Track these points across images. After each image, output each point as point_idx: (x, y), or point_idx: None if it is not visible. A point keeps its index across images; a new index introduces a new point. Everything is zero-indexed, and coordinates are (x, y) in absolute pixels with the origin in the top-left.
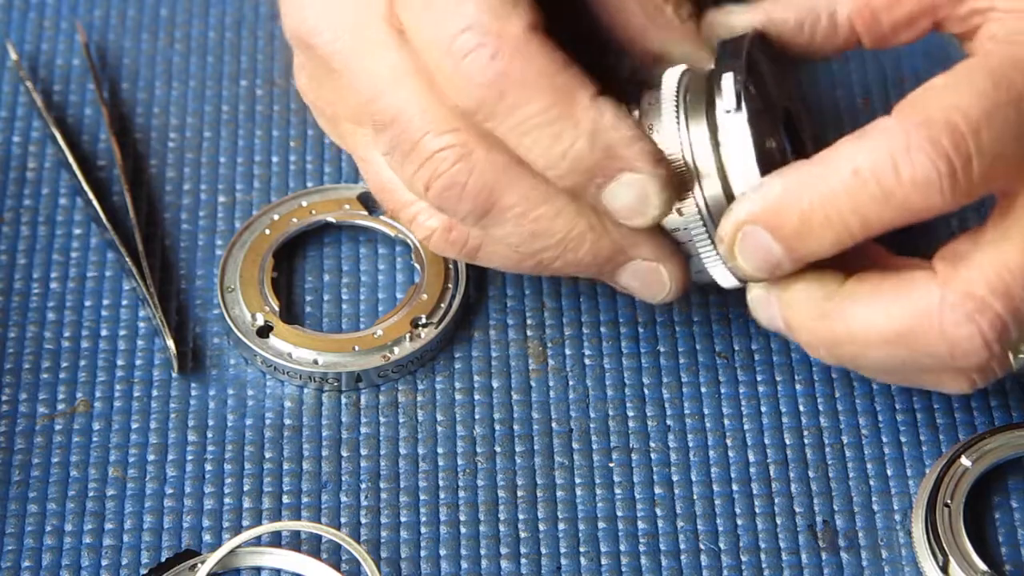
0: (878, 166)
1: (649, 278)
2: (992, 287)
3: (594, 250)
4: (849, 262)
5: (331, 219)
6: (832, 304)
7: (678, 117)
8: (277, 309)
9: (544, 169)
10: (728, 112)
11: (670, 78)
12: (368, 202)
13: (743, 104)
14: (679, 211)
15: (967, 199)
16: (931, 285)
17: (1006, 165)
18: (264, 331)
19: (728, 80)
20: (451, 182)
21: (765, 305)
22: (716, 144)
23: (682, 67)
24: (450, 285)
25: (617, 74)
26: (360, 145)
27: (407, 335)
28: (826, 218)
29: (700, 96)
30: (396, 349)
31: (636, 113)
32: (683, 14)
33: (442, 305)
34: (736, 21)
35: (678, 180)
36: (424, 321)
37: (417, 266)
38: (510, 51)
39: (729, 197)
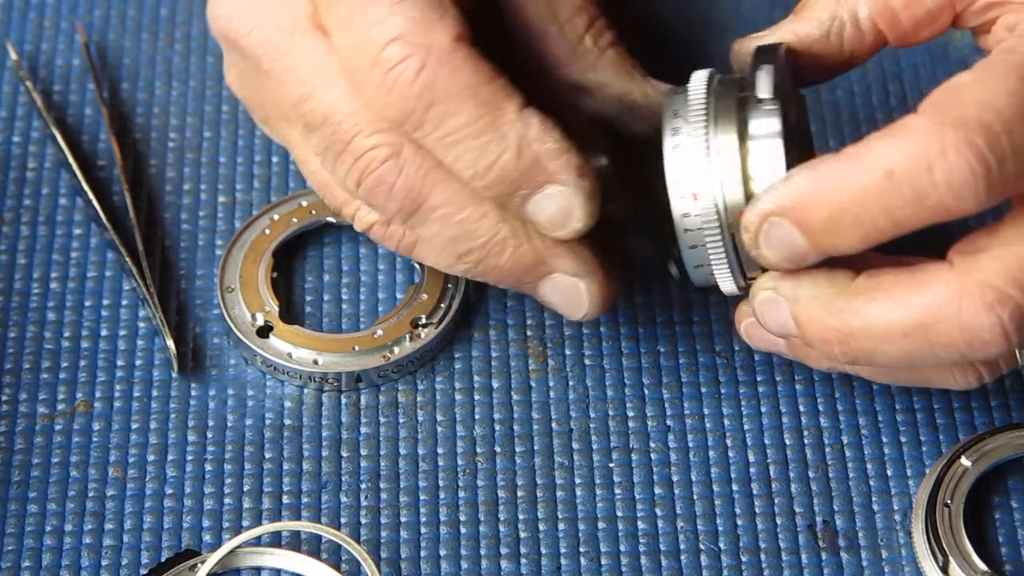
0: (912, 168)
1: (568, 294)
2: (1013, 278)
3: (515, 258)
4: (855, 258)
5: (331, 219)
6: (845, 299)
7: (706, 116)
8: (277, 309)
9: (470, 180)
10: (761, 102)
11: (698, 79)
12: None
13: (777, 99)
14: (695, 213)
15: (999, 199)
16: (949, 276)
17: None
18: (264, 331)
19: (765, 72)
20: (379, 180)
21: (773, 306)
22: (743, 146)
23: (710, 69)
24: (450, 285)
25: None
26: (295, 143)
27: (407, 335)
28: (856, 217)
29: (729, 96)
30: (396, 349)
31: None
32: (602, 43)
33: (442, 305)
34: (763, 44)
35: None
36: (424, 321)
37: (417, 266)
38: (437, 62)
39: (750, 200)
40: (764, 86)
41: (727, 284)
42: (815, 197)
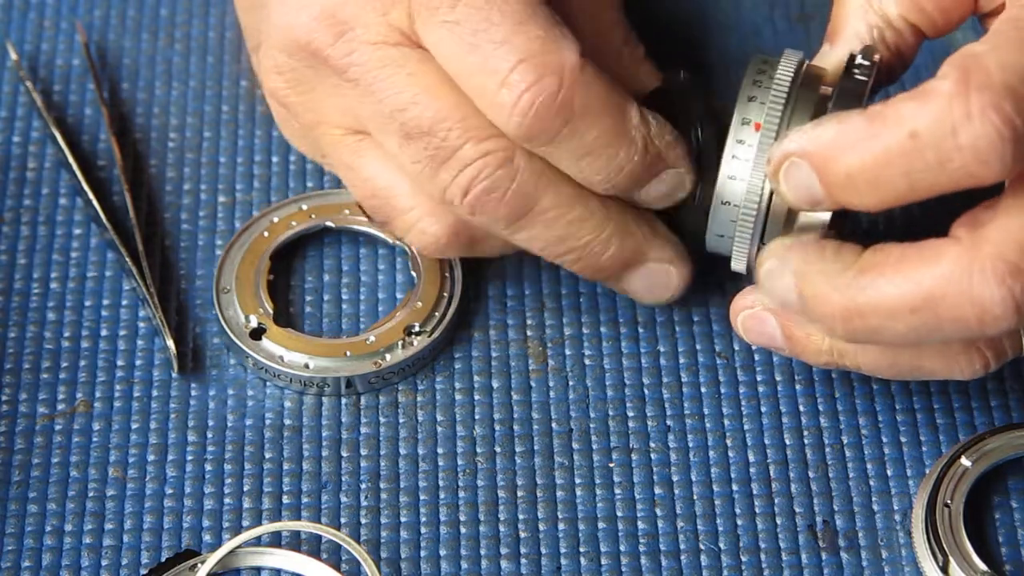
0: (936, 130)
1: (658, 279)
2: (1022, 250)
3: (617, 252)
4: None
5: (330, 223)
6: (852, 274)
7: (785, 105)
8: (271, 312)
9: (599, 183)
10: (852, 76)
11: (788, 66)
12: None
13: (869, 82)
14: (740, 178)
15: (1021, 166)
16: (958, 250)
17: None
18: (257, 333)
19: (866, 52)
20: (492, 187)
21: (778, 277)
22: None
23: (800, 56)
24: (445, 294)
25: None
26: (347, 152)
27: (399, 342)
28: (874, 178)
29: (812, 90)
30: (388, 356)
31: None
32: (638, 55)
33: (436, 313)
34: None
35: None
36: (417, 329)
37: (414, 274)
38: (572, 81)
39: None
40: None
41: (739, 263)
42: (836, 149)
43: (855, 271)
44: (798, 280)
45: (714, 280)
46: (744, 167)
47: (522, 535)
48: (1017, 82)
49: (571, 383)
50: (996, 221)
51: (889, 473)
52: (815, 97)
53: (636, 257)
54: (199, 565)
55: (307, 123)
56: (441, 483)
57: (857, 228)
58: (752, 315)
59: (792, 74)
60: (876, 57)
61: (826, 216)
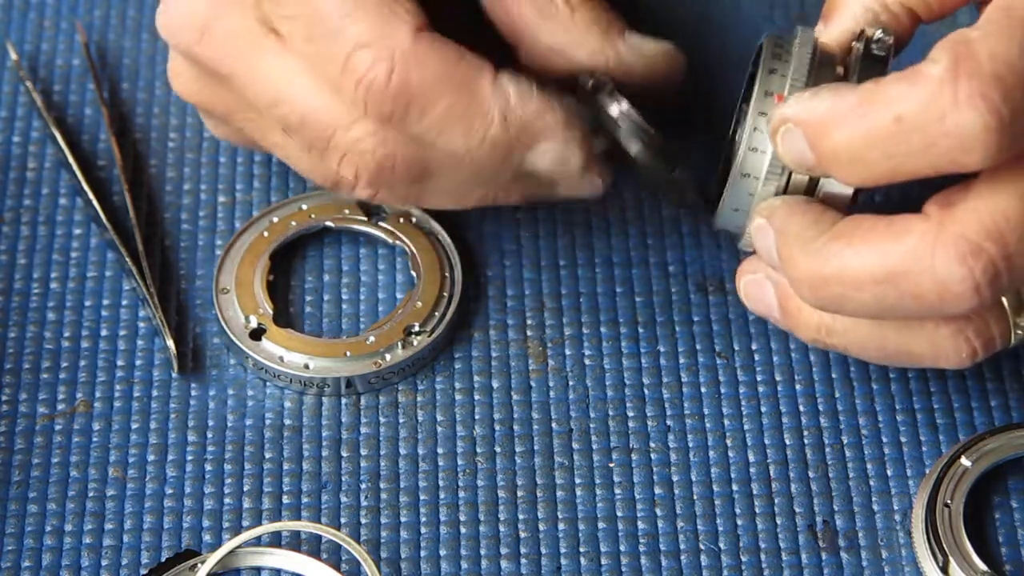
0: (923, 116)
1: (556, 155)
2: (987, 231)
3: (512, 144)
4: None
5: (330, 223)
6: (823, 241)
7: (810, 72)
8: (271, 312)
9: (464, 156)
10: (871, 53)
11: (806, 48)
12: (368, 207)
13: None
14: (762, 150)
15: (1004, 156)
16: (925, 227)
17: None
18: (257, 333)
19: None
20: (379, 167)
21: (763, 234)
22: None
23: (815, 36)
24: (445, 294)
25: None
26: (269, 131)
27: (399, 342)
28: (857, 157)
29: (828, 68)
30: (388, 356)
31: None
32: (573, 3)
33: (436, 314)
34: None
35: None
36: (417, 329)
37: (414, 273)
38: (403, 61)
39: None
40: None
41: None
42: (827, 123)
43: (826, 238)
44: (778, 240)
45: (714, 280)
46: (767, 140)
47: (522, 535)
48: (1006, 72)
49: (571, 383)
50: (966, 202)
51: (889, 473)
52: (832, 72)
53: (522, 139)
54: (199, 565)
55: (219, 117)
56: (441, 483)
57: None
58: (754, 281)
59: (812, 49)
60: (891, 38)
61: (849, 191)
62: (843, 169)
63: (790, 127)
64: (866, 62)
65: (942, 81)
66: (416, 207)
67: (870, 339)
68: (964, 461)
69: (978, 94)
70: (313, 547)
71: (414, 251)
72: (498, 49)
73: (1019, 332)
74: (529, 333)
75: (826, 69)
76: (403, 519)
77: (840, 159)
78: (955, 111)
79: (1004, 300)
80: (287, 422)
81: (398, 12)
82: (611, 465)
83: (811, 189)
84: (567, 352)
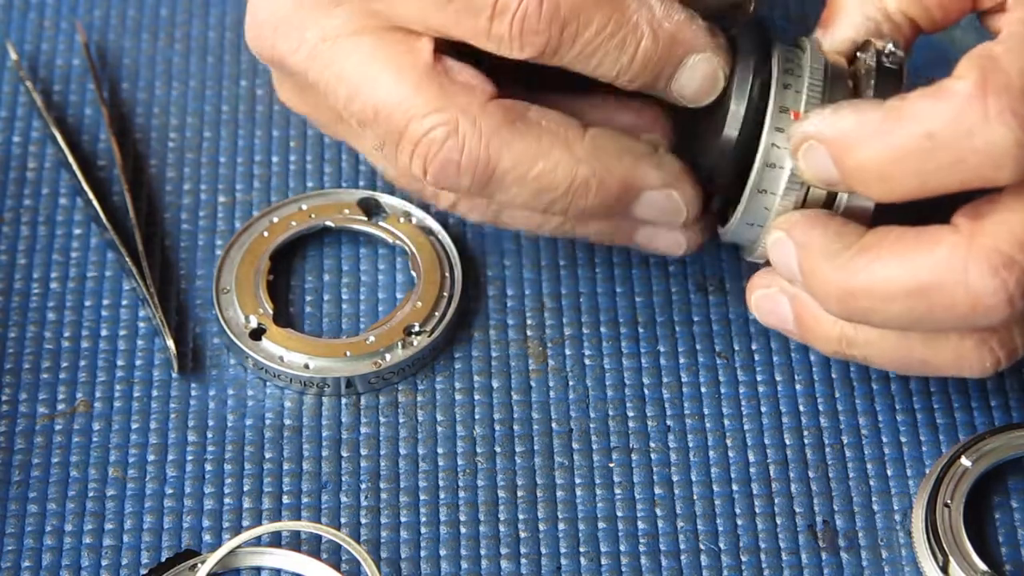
0: (953, 132)
1: (664, 205)
2: (1019, 243)
3: (602, 192)
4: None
5: (330, 223)
6: (851, 254)
7: (824, 86)
8: (271, 312)
9: (617, 77)
10: (884, 67)
11: (817, 58)
12: (368, 207)
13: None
14: (780, 166)
15: None
16: (956, 239)
17: None
18: (257, 333)
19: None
20: (445, 160)
21: (783, 249)
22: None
23: (818, 42)
24: (445, 294)
25: None
26: (359, 144)
27: (399, 342)
28: (886, 173)
29: (842, 80)
30: (388, 356)
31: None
32: None
33: (436, 313)
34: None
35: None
36: (417, 329)
37: (414, 273)
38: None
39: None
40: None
41: (751, 253)
42: (852, 139)
43: (854, 251)
44: (799, 253)
45: (714, 280)
46: (784, 155)
47: (522, 535)
48: None
49: (571, 383)
50: (996, 214)
51: (889, 473)
52: (845, 87)
53: (627, 191)
54: (199, 565)
55: (322, 125)
56: (441, 483)
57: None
58: (766, 296)
59: (824, 64)
60: (902, 51)
61: (871, 204)
62: (870, 186)
63: (813, 144)
64: (881, 76)
65: (971, 97)
66: (496, 224)
67: (894, 351)
68: (964, 461)
69: (1008, 110)
70: (313, 547)
71: (414, 251)
72: None
73: None
74: (529, 333)
75: (839, 84)
76: (403, 519)
77: (867, 176)
78: (985, 127)
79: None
80: (287, 422)
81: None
82: (611, 465)
83: (830, 202)
84: (567, 352)
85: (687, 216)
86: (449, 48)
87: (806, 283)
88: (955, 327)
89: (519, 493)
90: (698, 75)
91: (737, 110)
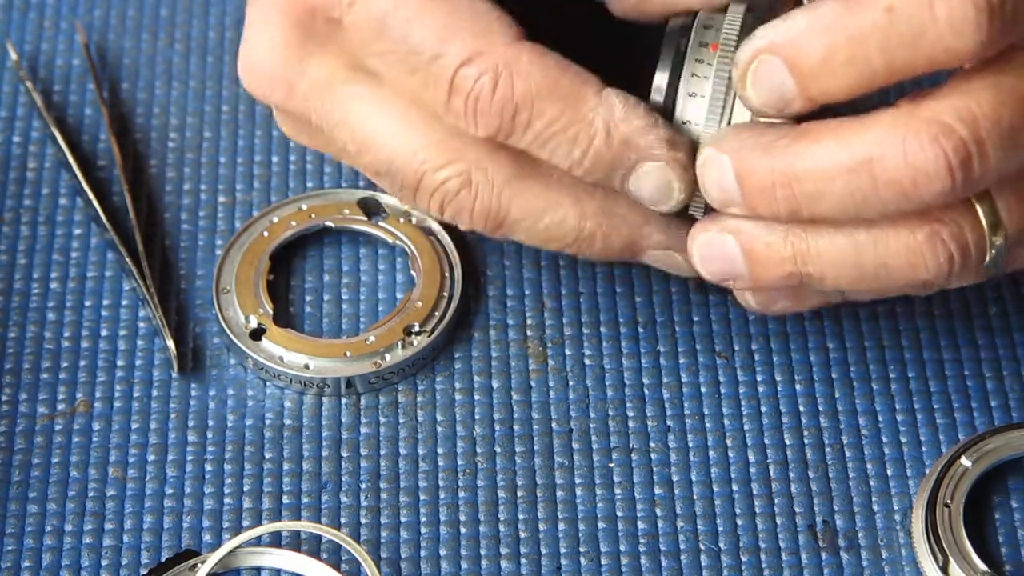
0: (913, 3)
1: (666, 262)
2: (959, 115)
3: (606, 245)
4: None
5: (330, 223)
6: (789, 141)
7: (744, 25)
8: (271, 312)
9: (570, 170)
10: None
11: (733, 16)
12: (368, 207)
13: None
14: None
15: (997, 44)
16: (895, 113)
17: None
18: (257, 334)
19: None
20: (458, 208)
21: (715, 165)
22: None
23: (745, 6)
24: (445, 294)
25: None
26: (352, 144)
27: (399, 342)
28: (851, 56)
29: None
30: (388, 356)
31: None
32: None
33: (436, 313)
34: None
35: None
36: (417, 329)
37: (414, 273)
38: (507, 72)
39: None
40: None
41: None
42: (810, 35)
43: (791, 138)
44: (734, 160)
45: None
46: (704, 84)
47: (522, 535)
48: None
49: (571, 383)
50: (939, 92)
51: (889, 473)
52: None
53: (632, 247)
54: (199, 565)
55: (331, 156)
56: (441, 483)
57: None
58: (709, 240)
59: (745, 8)
60: None
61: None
62: (836, 75)
63: (763, 58)
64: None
65: None
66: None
67: (846, 256)
68: (964, 461)
69: None
70: (313, 547)
71: (414, 251)
72: (600, 69)
73: (993, 251)
74: (529, 333)
75: (760, 16)
76: (403, 519)
77: (833, 65)
78: None
79: (979, 210)
80: (287, 422)
81: (494, 27)
82: (611, 465)
83: None
84: (567, 352)
85: (688, 271)
86: None
87: (745, 188)
88: (901, 206)
89: (519, 493)
90: (651, 184)
91: (660, 82)
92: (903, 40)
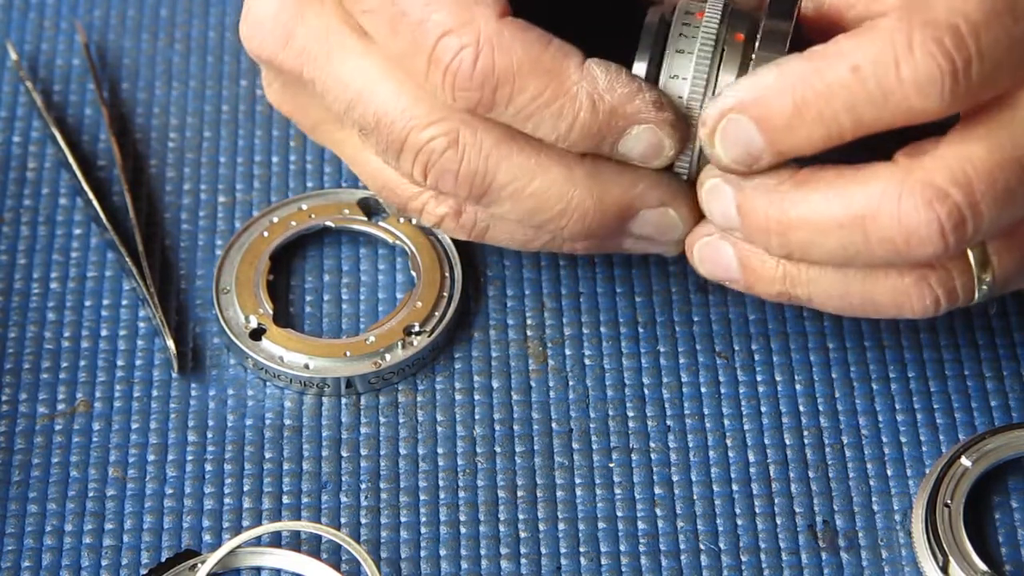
0: (879, 63)
1: (659, 222)
2: (954, 178)
3: (598, 213)
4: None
5: (330, 223)
6: (787, 188)
7: (714, 52)
8: (271, 312)
9: (556, 143)
10: (767, 54)
11: (715, 6)
12: (368, 207)
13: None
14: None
15: (963, 104)
16: (892, 171)
17: (1001, 72)
18: (257, 334)
19: (778, 25)
20: (443, 169)
21: (718, 195)
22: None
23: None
24: (445, 294)
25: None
26: (348, 146)
27: (399, 342)
28: (819, 114)
29: (739, 30)
30: (388, 356)
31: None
32: None
33: (436, 313)
34: None
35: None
36: (417, 329)
37: (414, 272)
38: (488, 46)
39: None
40: (774, 41)
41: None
42: (778, 92)
43: (790, 184)
44: (736, 194)
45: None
46: (686, 65)
47: (522, 535)
48: (960, 20)
49: (571, 383)
50: (935, 151)
51: (889, 473)
52: (749, 17)
53: (624, 210)
54: (199, 565)
55: (308, 127)
56: (441, 483)
57: None
58: (709, 243)
59: (719, 16)
60: None
61: None
62: (804, 133)
63: (731, 118)
64: (768, 23)
65: (896, 30)
66: (489, 243)
67: (835, 287)
68: (964, 461)
69: (932, 39)
70: (313, 547)
71: (414, 251)
72: (583, 41)
73: (983, 288)
74: (529, 333)
75: (739, 16)
76: (403, 519)
77: (802, 122)
78: (909, 57)
79: (970, 254)
80: (287, 422)
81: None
82: (611, 465)
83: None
84: (567, 352)
85: (682, 232)
86: None
87: (744, 223)
88: (892, 261)
89: (519, 493)
90: (642, 144)
91: (645, 43)
92: (870, 99)
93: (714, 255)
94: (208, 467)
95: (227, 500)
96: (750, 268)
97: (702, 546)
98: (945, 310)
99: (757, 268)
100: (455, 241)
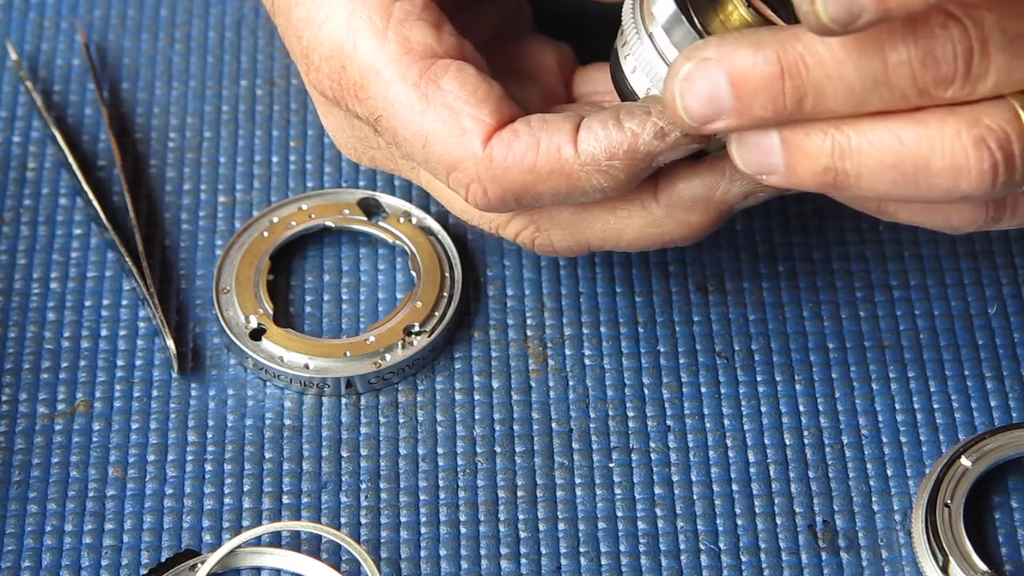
0: None
1: (753, 200)
2: None
3: (698, 228)
4: None
5: (330, 223)
6: (788, 32)
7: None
8: (271, 312)
9: (608, 196)
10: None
11: None
12: (368, 207)
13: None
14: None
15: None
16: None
17: None
18: (257, 334)
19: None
20: (544, 250)
21: (702, 75)
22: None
23: None
24: (445, 294)
25: None
26: (424, 179)
27: (399, 342)
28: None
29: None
30: (388, 356)
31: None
32: None
33: (436, 313)
34: None
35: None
36: (417, 329)
37: (414, 273)
38: (488, 181)
39: None
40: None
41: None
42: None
43: (789, 30)
44: (725, 64)
45: (714, 280)
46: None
47: (522, 535)
48: None
49: (571, 383)
50: None
51: (889, 473)
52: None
53: (720, 209)
54: (199, 565)
55: (384, 166)
56: (441, 483)
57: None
58: (753, 135)
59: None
60: None
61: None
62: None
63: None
64: None
65: None
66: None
67: (886, 154)
68: (964, 461)
69: None
70: (313, 547)
71: (414, 251)
72: (573, 39)
73: None
74: (529, 333)
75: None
76: (403, 519)
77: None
78: None
79: (1021, 113)
80: (287, 422)
81: (468, 126)
82: (611, 465)
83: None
84: (567, 352)
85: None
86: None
87: (741, 90)
88: (912, 97)
89: (519, 493)
90: (679, 152)
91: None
92: None
93: (755, 139)
94: (208, 467)
95: (227, 500)
96: (793, 147)
97: (702, 546)
98: (1002, 188)
99: (801, 145)
100: (455, 241)
